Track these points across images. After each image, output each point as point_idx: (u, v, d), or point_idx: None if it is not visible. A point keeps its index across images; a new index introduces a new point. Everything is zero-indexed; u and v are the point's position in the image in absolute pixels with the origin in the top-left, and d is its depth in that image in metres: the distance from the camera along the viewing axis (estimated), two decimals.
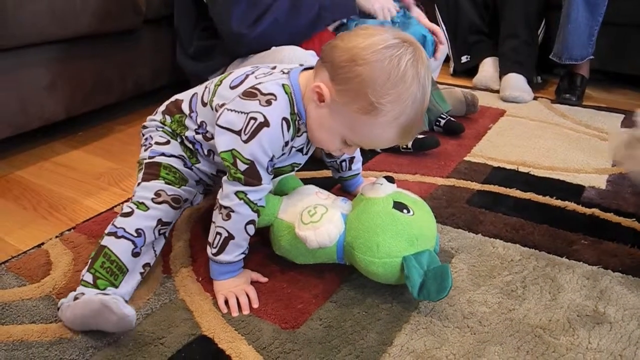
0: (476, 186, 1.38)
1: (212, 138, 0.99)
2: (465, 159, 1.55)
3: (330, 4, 1.42)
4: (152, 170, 1.03)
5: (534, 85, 2.19)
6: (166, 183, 1.01)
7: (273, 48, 1.34)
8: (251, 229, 0.96)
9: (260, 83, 0.94)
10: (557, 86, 2.20)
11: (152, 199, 0.98)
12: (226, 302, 0.95)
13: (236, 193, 0.93)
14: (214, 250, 0.96)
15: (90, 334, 0.87)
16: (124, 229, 0.94)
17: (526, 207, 1.28)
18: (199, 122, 1.03)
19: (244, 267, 1.00)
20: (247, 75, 0.98)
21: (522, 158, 1.56)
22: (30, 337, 0.87)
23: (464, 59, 2.47)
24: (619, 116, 1.95)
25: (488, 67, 2.35)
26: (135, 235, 0.95)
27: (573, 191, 1.37)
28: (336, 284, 1.01)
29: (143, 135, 1.12)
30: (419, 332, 0.89)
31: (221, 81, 1.01)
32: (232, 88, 0.97)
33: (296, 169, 1.08)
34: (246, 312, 0.93)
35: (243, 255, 0.98)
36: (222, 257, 0.95)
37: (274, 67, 1.00)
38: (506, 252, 1.10)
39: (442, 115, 1.68)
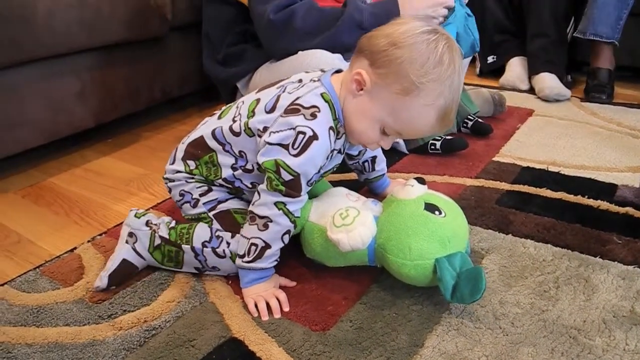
0: (505, 186, 1.36)
1: (252, 170, 1.00)
2: (494, 159, 1.53)
3: (373, 26, 1.37)
4: (230, 223, 1.02)
5: (564, 84, 2.15)
6: None
7: (300, 52, 1.35)
8: (287, 239, 0.97)
9: (298, 97, 0.94)
10: (585, 84, 2.16)
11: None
12: (256, 306, 0.95)
13: (275, 203, 0.93)
14: (249, 259, 0.95)
15: (122, 337, 0.88)
16: (205, 260, 1.00)
17: (557, 206, 1.26)
18: (236, 151, 1.01)
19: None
20: (279, 96, 0.98)
21: (552, 157, 1.54)
22: (65, 339, 0.89)
23: (490, 59, 2.44)
24: None
25: (515, 67, 2.32)
26: (211, 269, 1.02)
27: (605, 190, 1.34)
28: (366, 285, 1.00)
29: (171, 190, 1.10)
30: (450, 333, 0.88)
31: (253, 111, 0.99)
32: (268, 112, 0.96)
33: (334, 169, 1.09)
34: (277, 315, 0.93)
35: (276, 263, 0.98)
36: (255, 264, 0.95)
37: (300, 80, 1.01)
38: (537, 252, 1.09)
39: (469, 117, 1.67)
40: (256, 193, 0.95)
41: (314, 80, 0.98)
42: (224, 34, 1.55)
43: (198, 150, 1.05)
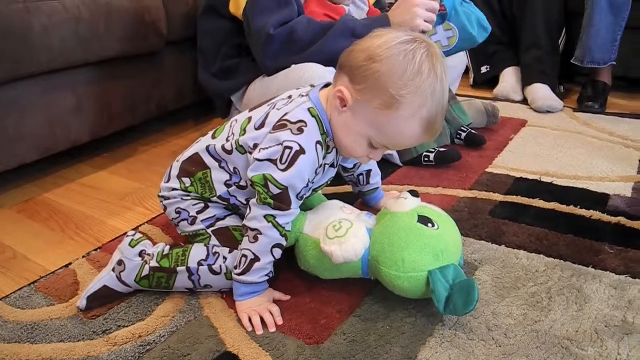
0: (499, 197, 1.37)
1: (246, 187, 1.01)
2: (487, 170, 1.54)
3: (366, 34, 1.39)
4: (229, 241, 1.03)
5: (557, 95, 2.17)
6: None
7: (293, 66, 1.36)
8: (277, 253, 0.97)
9: (286, 113, 0.95)
10: (579, 94, 2.18)
11: None
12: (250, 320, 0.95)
13: (265, 216, 0.93)
14: (239, 271, 0.96)
15: (117, 352, 0.89)
16: (200, 279, 1.00)
17: (550, 217, 1.27)
18: (231, 168, 1.02)
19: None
20: (268, 113, 0.99)
21: (545, 168, 1.55)
22: (59, 355, 0.89)
23: (484, 69, 2.46)
24: None
25: (509, 78, 2.34)
26: (203, 288, 1.02)
27: (598, 200, 1.35)
28: (360, 298, 1.01)
29: (167, 208, 1.10)
30: (443, 345, 0.88)
31: (245, 130, 1.00)
32: (258, 129, 0.98)
33: (329, 182, 1.09)
34: (272, 329, 0.93)
35: (267, 278, 0.98)
36: (246, 278, 0.96)
37: (290, 97, 1.02)
38: (531, 263, 1.09)
39: (462, 128, 1.68)
40: (248, 207, 0.96)
41: (303, 96, 0.99)
42: (218, 47, 1.57)
43: (193, 167, 1.06)
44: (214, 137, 1.06)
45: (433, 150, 1.54)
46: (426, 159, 1.54)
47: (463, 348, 0.88)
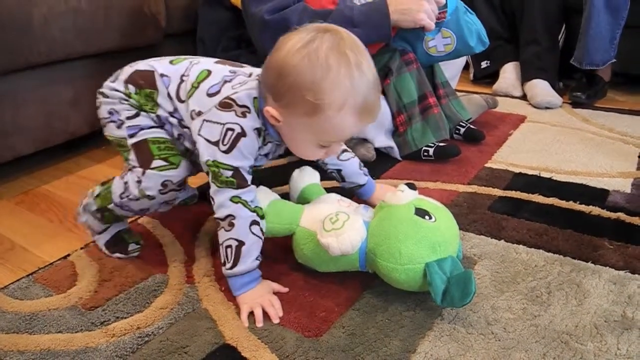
0: (498, 192, 1.37)
1: (187, 127, 1.01)
2: (487, 165, 1.54)
3: (364, 22, 1.39)
4: (144, 154, 1.03)
5: (556, 90, 2.17)
6: (167, 162, 1.02)
7: None
8: (257, 230, 0.97)
9: (235, 93, 0.95)
10: (573, 86, 2.18)
11: (160, 190, 1.03)
12: (250, 313, 0.95)
13: (231, 199, 0.95)
14: (229, 265, 0.96)
15: (115, 343, 0.88)
16: (129, 208, 1.07)
17: (549, 212, 1.27)
18: (173, 108, 1.02)
19: (265, 277, 1.01)
20: (225, 82, 0.98)
21: (544, 163, 1.55)
22: (57, 346, 0.89)
23: (483, 64, 2.46)
24: None
25: (509, 74, 2.33)
26: (140, 211, 1.10)
27: (597, 195, 1.35)
28: (358, 291, 1.00)
29: (101, 105, 1.06)
30: (442, 339, 0.88)
31: (199, 83, 0.99)
32: (209, 96, 0.97)
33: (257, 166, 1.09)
34: (276, 321, 0.93)
35: (258, 262, 0.98)
36: (238, 269, 0.96)
37: (250, 75, 1.00)
38: (530, 257, 1.09)
39: (461, 123, 1.68)
40: (211, 199, 0.97)
41: (257, 80, 0.97)
42: (218, 38, 1.56)
43: (142, 81, 1.03)
44: (171, 63, 1.05)
45: (432, 145, 1.53)
46: (425, 154, 1.54)
47: (462, 342, 0.88)
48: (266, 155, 1.05)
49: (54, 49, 1.47)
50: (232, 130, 0.93)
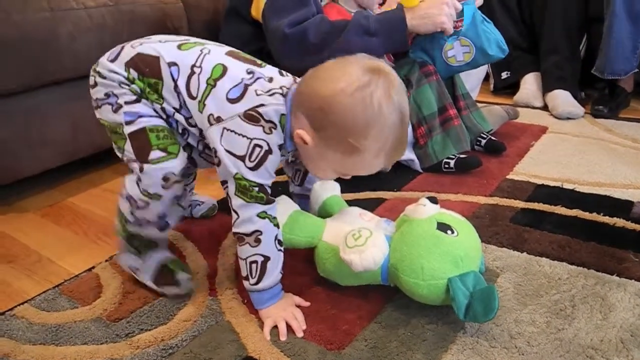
0: (520, 204, 1.36)
1: (195, 126, 0.97)
2: (508, 177, 1.53)
3: (380, 31, 1.40)
4: (141, 144, 0.96)
5: (578, 100, 2.15)
6: (165, 152, 0.95)
7: None
8: (279, 245, 0.97)
9: (262, 106, 0.92)
10: (595, 97, 2.16)
11: (162, 186, 0.97)
12: (274, 327, 0.95)
13: (258, 215, 0.94)
14: (254, 280, 0.96)
15: (139, 356, 0.89)
16: (145, 219, 1.02)
17: (572, 224, 1.26)
18: (182, 102, 0.96)
19: (287, 290, 1.02)
20: (247, 87, 0.93)
21: (567, 175, 1.53)
22: (83, 357, 0.90)
23: (504, 75, 2.45)
24: None
25: (529, 85, 2.32)
26: (159, 219, 1.04)
27: (621, 207, 1.33)
28: (380, 304, 1.00)
29: (96, 85, 0.98)
30: (465, 352, 0.88)
31: (215, 81, 0.94)
32: (230, 101, 0.92)
33: None
34: (300, 335, 0.93)
35: (281, 276, 0.98)
36: (263, 284, 0.96)
37: (271, 80, 0.96)
38: (553, 270, 1.08)
39: (482, 135, 1.67)
40: (233, 213, 0.95)
41: (282, 95, 0.94)
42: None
43: (147, 68, 0.96)
44: (180, 49, 0.98)
45: (453, 157, 1.53)
46: (446, 166, 1.53)
47: (485, 355, 0.87)
48: None
49: (80, 65, 1.50)
50: (260, 147, 0.91)
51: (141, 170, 0.96)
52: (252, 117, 0.92)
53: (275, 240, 0.96)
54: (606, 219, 1.27)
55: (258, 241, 0.94)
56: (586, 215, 1.29)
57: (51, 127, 1.51)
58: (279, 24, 1.37)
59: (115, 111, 0.97)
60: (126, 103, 0.96)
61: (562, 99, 2.12)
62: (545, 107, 2.20)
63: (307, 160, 0.99)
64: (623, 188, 1.44)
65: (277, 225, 0.97)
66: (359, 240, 0.94)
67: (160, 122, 0.98)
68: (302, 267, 1.10)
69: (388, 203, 1.39)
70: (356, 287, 1.03)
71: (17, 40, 1.35)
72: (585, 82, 2.30)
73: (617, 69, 2.04)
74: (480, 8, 1.57)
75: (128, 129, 0.96)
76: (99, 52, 1.51)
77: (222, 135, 0.92)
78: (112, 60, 0.98)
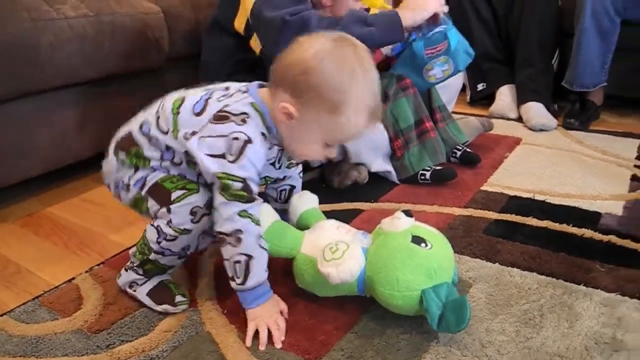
0: (493, 215, 1.40)
1: (181, 164, 1.02)
2: (482, 188, 1.57)
3: (376, 22, 1.45)
4: (161, 193, 1.02)
5: (551, 112, 2.21)
6: (185, 189, 1.00)
7: None
8: (263, 243, 0.99)
9: (226, 106, 0.98)
10: (566, 111, 2.22)
11: (192, 220, 1.00)
12: (256, 333, 0.97)
13: (239, 213, 0.95)
14: (240, 280, 0.97)
15: None
16: (170, 250, 1.03)
17: (543, 235, 1.30)
18: (163, 146, 1.02)
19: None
20: (207, 100, 1.00)
21: (539, 186, 1.58)
22: None
23: (480, 86, 2.50)
24: (635, 141, 1.96)
25: (504, 97, 2.37)
26: (182, 250, 1.05)
27: (590, 218, 1.38)
28: (356, 315, 1.03)
29: (109, 186, 1.11)
30: None
31: (178, 109, 1.01)
32: (197, 114, 0.99)
33: (269, 182, 1.14)
34: (278, 346, 0.95)
35: (266, 274, 1.00)
36: (249, 283, 0.97)
37: (227, 88, 1.04)
38: (523, 280, 1.12)
39: (458, 147, 1.71)
40: (215, 210, 0.97)
41: (242, 92, 1.01)
42: (221, 63, 1.60)
43: (126, 143, 1.06)
44: (144, 110, 1.08)
45: (429, 169, 1.57)
46: (422, 177, 1.57)
47: None
48: (272, 164, 1.08)
49: (61, 75, 1.52)
50: (238, 139, 0.94)
51: (169, 211, 1.00)
52: (220, 117, 0.97)
53: (257, 239, 0.97)
54: (575, 230, 1.31)
55: (239, 241, 0.95)
56: (556, 226, 1.34)
57: (32, 137, 1.52)
58: (277, 14, 1.38)
59: (128, 190, 1.06)
60: (130, 177, 1.05)
61: (535, 111, 2.17)
62: (520, 119, 2.25)
63: (292, 141, 1.01)
64: (592, 199, 1.49)
65: (259, 225, 0.98)
66: (337, 254, 0.97)
67: (164, 173, 1.04)
68: (281, 278, 1.12)
69: (365, 214, 1.42)
70: (333, 298, 1.06)
71: None
72: (558, 94, 2.36)
73: (586, 82, 2.11)
74: (455, 21, 1.62)
75: (144, 191, 1.04)
76: (79, 61, 1.54)
77: (200, 144, 0.97)
78: (106, 158, 1.10)
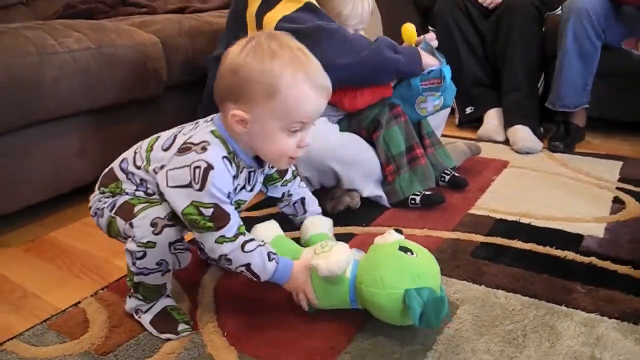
0: (480, 238, 1.46)
1: (154, 194, 1.08)
2: (470, 211, 1.63)
3: (402, 52, 1.62)
4: (126, 210, 1.06)
5: (537, 135, 2.27)
6: (148, 203, 1.05)
7: None
8: (250, 246, 1.04)
9: (190, 137, 1.03)
10: (552, 133, 2.30)
11: (153, 232, 1.02)
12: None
13: (215, 241, 1.01)
14: (256, 279, 1.07)
15: None
16: (146, 268, 1.06)
17: (527, 257, 1.36)
18: (138, 180, 1.09)
19: (262, 317, 1.11)
20: (176, 135, 1.07)
21: (524, 209, 1.64)
22: None
23: (468, 110, 2.57)
24: (618, 163, 2.03)
25: (492, 120, 2.45)
26: (157, 266, 1.07)
27: (572, 240, 1.44)
28: (350, 335, 1.08)
29: (93, 216, 1.15)
30: None
31: (151, 147, 1.09)
32: (165, 150, 1.06)
33: (242, 206, 1.17)
34: (305, 309, 1.11)
35: (276, 256, 1.07)
36: (264, 277, 1.07)
37: (197, 123, 1.10)
38: (508, 302, 1.18)
39: (446, 171, 1.78)
40: (199, 243, 1.09)
41: (207, 122, 1.08)
42: None
43: (107, 179, 1.14)
44: (127, 151, 1.15)
45: (419, 193, 1.63)
46: (412, 202, 1.63)
47: None
48: (243, 187, 1.12)
49: (62, 106, 1.57)
50: (199, 167, 0.97)
51: (132, 226, 1.03)
52: (184, 149, 1.01)
53: (242, 249, 1.03)
54: (558, 252, 1.37)
55: (229, 261, 1.04)
56: (540, 248, 1.40)
57: (34, 165, 1.57)
58: (355, 58, 1.53)
59: (102, 215, 1.11)
60: (104, 203, 1.11)
61: (522, 134, 2.24)
62: (507, 142, 2.32)
63: (260, 145, 1.04)
64: (574, 222, 1.55)
65: (236, 238, 1.02)
66: (326, 248, 1.08)
67: (131, 195, 1.10)
68: (278, 297, 1.17)
69: (358, 238, 1.48)
70: (328, 318, 1.11)
71: (5, 84, 1.41)
72: (544, 116, 2.43)
73: (568, 102, 2.20)
74: (443, 47, 1.73)
75: (113, 211, 1.09)
76: (81, 93, 1.60)
77: (166, 178, 1.02)
78: (93, 196, 1.16)
